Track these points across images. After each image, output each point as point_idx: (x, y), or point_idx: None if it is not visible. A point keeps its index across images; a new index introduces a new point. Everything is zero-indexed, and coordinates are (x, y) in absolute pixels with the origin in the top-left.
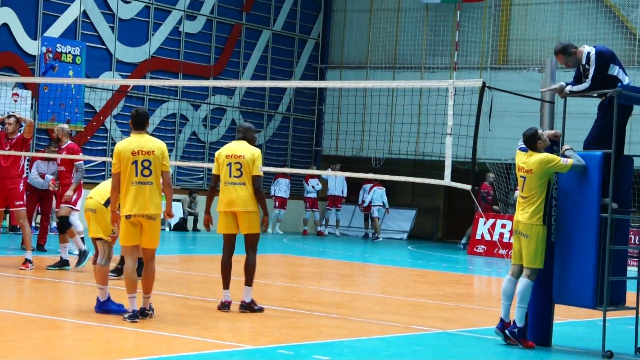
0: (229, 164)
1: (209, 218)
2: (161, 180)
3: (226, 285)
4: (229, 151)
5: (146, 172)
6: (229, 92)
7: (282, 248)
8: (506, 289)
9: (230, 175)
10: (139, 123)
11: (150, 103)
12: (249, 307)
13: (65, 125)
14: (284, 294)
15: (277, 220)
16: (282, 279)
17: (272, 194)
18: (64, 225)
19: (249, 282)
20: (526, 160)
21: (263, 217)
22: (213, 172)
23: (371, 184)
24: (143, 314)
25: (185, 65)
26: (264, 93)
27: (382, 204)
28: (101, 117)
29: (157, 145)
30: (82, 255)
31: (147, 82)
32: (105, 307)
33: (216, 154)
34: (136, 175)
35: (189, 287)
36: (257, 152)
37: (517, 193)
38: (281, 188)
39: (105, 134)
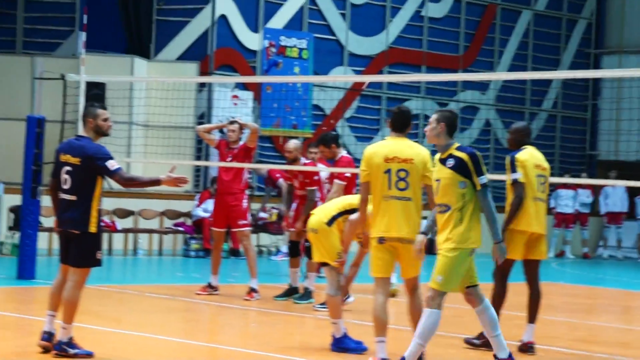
0: (541, 175)
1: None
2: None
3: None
4: (536, 160)
5: (402, 184)
6: (482, 86)
7: (551, 274)
8: None
9: (537, 191)
10: (399, 123)
11: (389, 102)
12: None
13: (297, 141)
14: (555, 330)
15: (565, 242)
16: (552, 311)
17: (551, 206)
18: (296, 248)
19: (532, 318)
20: None
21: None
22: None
23: None
24: None
25: (429, 57)
26: (524, 87)
27: None
28: (332, 121)
29: (418, 152)
30: (306, 295)
31: (385, 78)
32: (342, 344)
33: (522, 160)
34: (389, 188)
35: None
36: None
37: None
38: (561, 202)
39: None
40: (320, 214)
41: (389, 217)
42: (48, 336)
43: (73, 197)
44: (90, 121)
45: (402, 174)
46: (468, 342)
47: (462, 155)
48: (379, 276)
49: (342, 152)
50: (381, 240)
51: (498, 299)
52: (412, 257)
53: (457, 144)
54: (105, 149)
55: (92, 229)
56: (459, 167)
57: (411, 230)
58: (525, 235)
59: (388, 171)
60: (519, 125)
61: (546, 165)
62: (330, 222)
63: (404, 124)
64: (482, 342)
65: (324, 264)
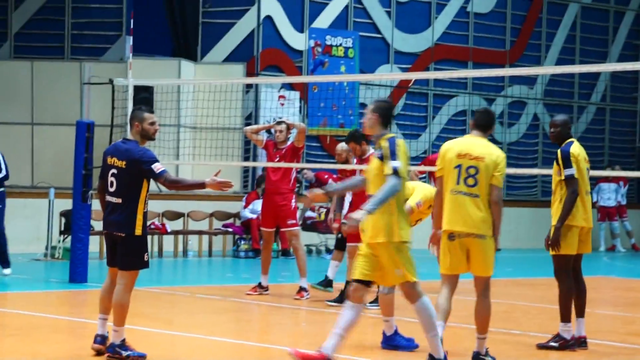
0: (587, 168)
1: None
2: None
3: (567, 317)
4: (584, 153)
5: (470, 180)
6: (530, 81)
7: (603, 268)
8: None
9: (588, 184)
10: (483, 123)
11: (436, 99)
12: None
13: (344, 144)
14: (608, 324)
15: (613, 235)
16: (605, 306)
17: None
18: (342, 243)
19: (581, 312)
20: None
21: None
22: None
23: None
24: (477, 359)
25: (475, 52)
26: (572, 80)
27: None
28: None
29: (491, 151)
30: (326, 282)
31: (431, 75)
32: (393, 342)
33: (576, 154)
34: (457, 183)
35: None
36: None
37: None
38: (604, 195)
39: None
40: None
41: (455, 211)
42: (101, 339)
43: (119, 200)
44: (136, 125)
45: (472, 171)
46: (543, 346)
47: (385, 144)
48: (446, 273)
49: (371, 149)
50: (451, 236)
51: (568, 294)
52: (481, 255)
53: (389, 135)
54: (151, 152)
55: (138, 231)
56: (383, 157)
57: (476, 226)
58: (579, 230)
59: (458, 167)
60: (563, 118)
61: (587, 156)
62: None
63: (487, 124)
64: (560, 345)
65: None
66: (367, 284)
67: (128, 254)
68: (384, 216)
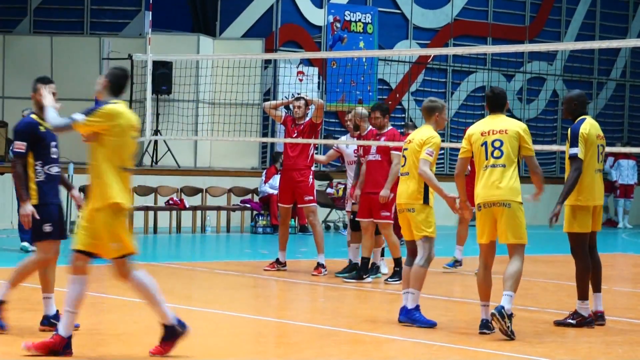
0: (602, 145)
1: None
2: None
3: (584, 295)
4: (596, 130)
5: (497, 153)
6: (549, 57)
7: (621, 245)
8: None
9: (598, 162)
10: (494, 104)
11: (455, 75)
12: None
13: (363, 109)
14: (627, 302)
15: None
16: (624, 283)
17: (613, 179)
18: (358, 222)
19: (597, 287)
20: None
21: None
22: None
23: None
24: (500, 314)
25: (494, 28)
26: (592, 56)
27: None
28: (397, 95)
29: (513, 123)
30: (350, 268)
31: (450, 51)
32: (413, 316)
33: (586, 134)
34: (486, 158)
35: None
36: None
37: None
38: (623, 173)
39: (403, 115)
40: (414, 193)
41: (484, 184)
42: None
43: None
44: (32, 95)
45: (497, 144)
46: (561, 323)
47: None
48: (480, 242)
49: (390, 126)
50: (479, 207)
51: (585, 272)
52: (505, 222)
53: (114, 102)
54: (24, 129)
55: (33, 201)
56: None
57: (500, 194)
58: (591, 208)
59: (484, 144)
60: (569, 95)
61: (602, 133)
62: (426, 200)
63: (499, 103)
64: (578, 322)
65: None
66: (88, 254)
67: (32, 225)
68: (93, 180)
